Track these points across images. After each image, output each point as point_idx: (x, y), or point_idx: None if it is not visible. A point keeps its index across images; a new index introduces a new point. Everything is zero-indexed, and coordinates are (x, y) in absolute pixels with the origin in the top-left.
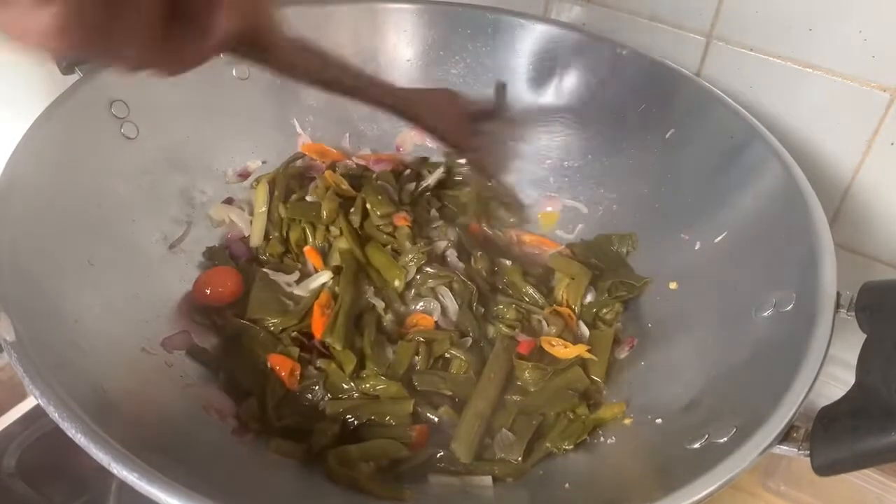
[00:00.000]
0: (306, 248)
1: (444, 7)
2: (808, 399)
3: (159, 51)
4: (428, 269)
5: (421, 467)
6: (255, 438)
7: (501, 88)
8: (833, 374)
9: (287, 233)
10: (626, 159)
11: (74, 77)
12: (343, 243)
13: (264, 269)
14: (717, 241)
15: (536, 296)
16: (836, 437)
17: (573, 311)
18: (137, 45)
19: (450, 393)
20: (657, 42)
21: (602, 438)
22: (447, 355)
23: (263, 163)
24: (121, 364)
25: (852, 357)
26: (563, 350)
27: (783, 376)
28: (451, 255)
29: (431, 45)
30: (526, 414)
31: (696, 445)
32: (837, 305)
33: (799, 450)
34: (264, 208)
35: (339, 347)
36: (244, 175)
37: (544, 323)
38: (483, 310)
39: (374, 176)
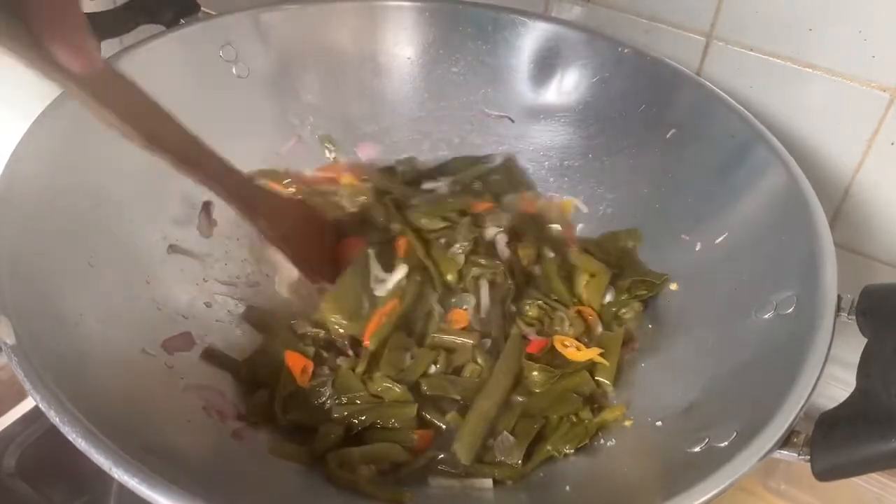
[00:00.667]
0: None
1: (444, 5)
2: (809, 400)
3: None
4: (474, 257)
5: (421, 470)
6: (254, 439)
7: None
8: (833, 373)
9: None
10: (627, 159)
11: None
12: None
13: (369, 250)
14: (717, 241)
15: (565, 292)
16: (837, 442)
17: (594, 310)
18: None
19: (458, 397)
20: (657, 42)
21: (602, 441)
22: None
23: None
24: (121, 366)
25: (854, 357)
26: (576, 352)
27: (784, 380)
28: (501, 241)
29: (431, 43)
30: (528, 416)
31: (697, 449)
32: (838, 309)
33: (799, 455)
34: None
35: (372, 347)
36: None
37: (567, 322)
38: (514, 308)
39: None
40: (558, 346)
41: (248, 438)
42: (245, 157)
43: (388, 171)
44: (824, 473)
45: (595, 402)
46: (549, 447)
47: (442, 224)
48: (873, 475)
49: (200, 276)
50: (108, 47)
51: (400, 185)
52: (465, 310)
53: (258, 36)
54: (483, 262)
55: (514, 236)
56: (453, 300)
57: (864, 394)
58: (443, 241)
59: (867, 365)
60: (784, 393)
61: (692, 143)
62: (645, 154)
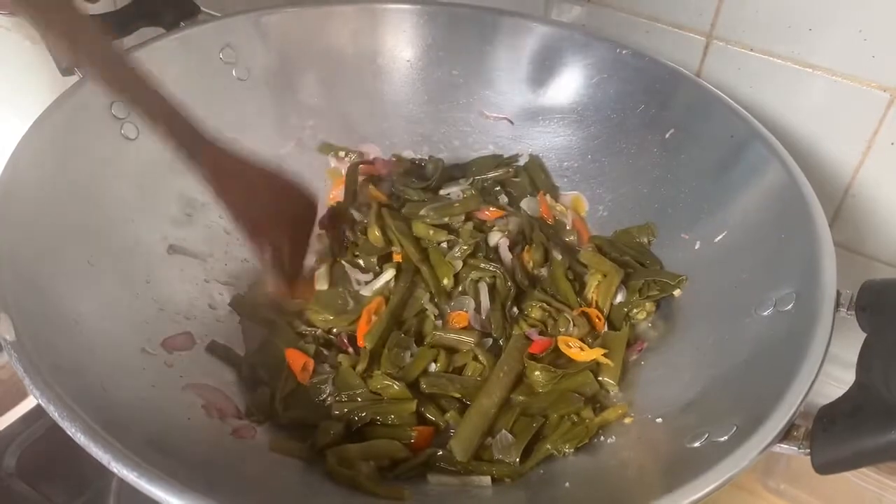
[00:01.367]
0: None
1: (444, 7)
2: (808, 398)
3: None
4: (473, 260)
5: (421, 467)
6: (255, 437)
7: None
8: (832, 373)
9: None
10: (626, 159)
11: (74, 77)
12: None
13: (343, 262)
14: (717, 240)
15: (570, 294)
16: (837, 435)
17: (602, 312)
18: None
19: (458, 395)
20: (657, 42)
21: (602, 438)
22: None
23: None
24: (121, 364)
25: (852, 356)
26: (580, 353)
27: (783, 375)
28: (503, 245)
29: (431, 46)
30: (528, 415)
31: (697, 444)
32: (837, 304)
33: (799, 448)
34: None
35: (368, 346)
36: None
37: (571, 323)
38: (516, 310)
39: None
40: (562, 347)
41: (248, 436)
42: None
43: (418, 167)
44: (824, 467)
45: (597, 401)
46: (548, 446)
47: (445, 237)
48: (873, 474)
49: (201, 276)
50: None
51: (418, 189)
52: (465, 312)
53: (258, 38)
54: (482, 265)
55: (524, 241)
56: (452, 303)
57: (864, 387)
58: (444, 245)
59: (867, 359)
60: (784, 386)
61: (691, 142)
62: (644, 154)
